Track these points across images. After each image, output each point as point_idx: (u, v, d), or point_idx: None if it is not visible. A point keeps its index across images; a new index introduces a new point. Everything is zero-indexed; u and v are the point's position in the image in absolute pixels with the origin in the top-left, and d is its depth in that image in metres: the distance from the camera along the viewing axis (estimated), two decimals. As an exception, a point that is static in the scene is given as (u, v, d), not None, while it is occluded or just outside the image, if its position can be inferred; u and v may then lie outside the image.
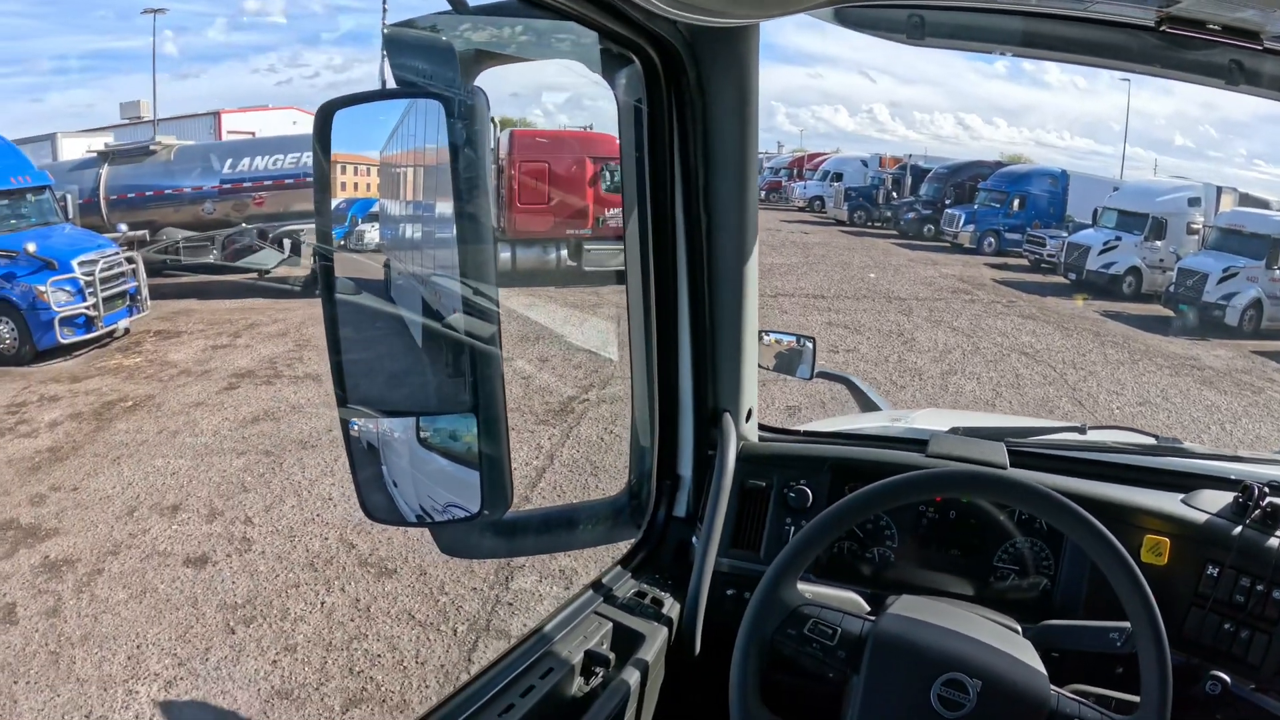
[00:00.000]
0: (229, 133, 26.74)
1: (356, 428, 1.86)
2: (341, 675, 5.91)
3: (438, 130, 1.65)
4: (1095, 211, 25.33)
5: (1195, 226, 23.25)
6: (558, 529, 2.47)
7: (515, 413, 10.60)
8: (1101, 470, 2.42)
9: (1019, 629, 1.97)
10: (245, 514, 8.37)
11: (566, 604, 2.26)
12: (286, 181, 19.98)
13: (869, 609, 2.14)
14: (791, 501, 2.46)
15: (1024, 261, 26.31)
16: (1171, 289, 20.51)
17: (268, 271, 19.15)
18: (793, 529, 2.44)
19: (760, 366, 2.83)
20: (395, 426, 1.94)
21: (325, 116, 1.69)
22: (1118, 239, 23.00)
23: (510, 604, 6.61)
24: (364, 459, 1.89)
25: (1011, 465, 2.38)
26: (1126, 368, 13.82)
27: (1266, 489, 2.17)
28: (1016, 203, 29.15)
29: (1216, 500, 2.24)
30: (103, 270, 14.69)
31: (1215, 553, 2.12)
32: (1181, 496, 2.27)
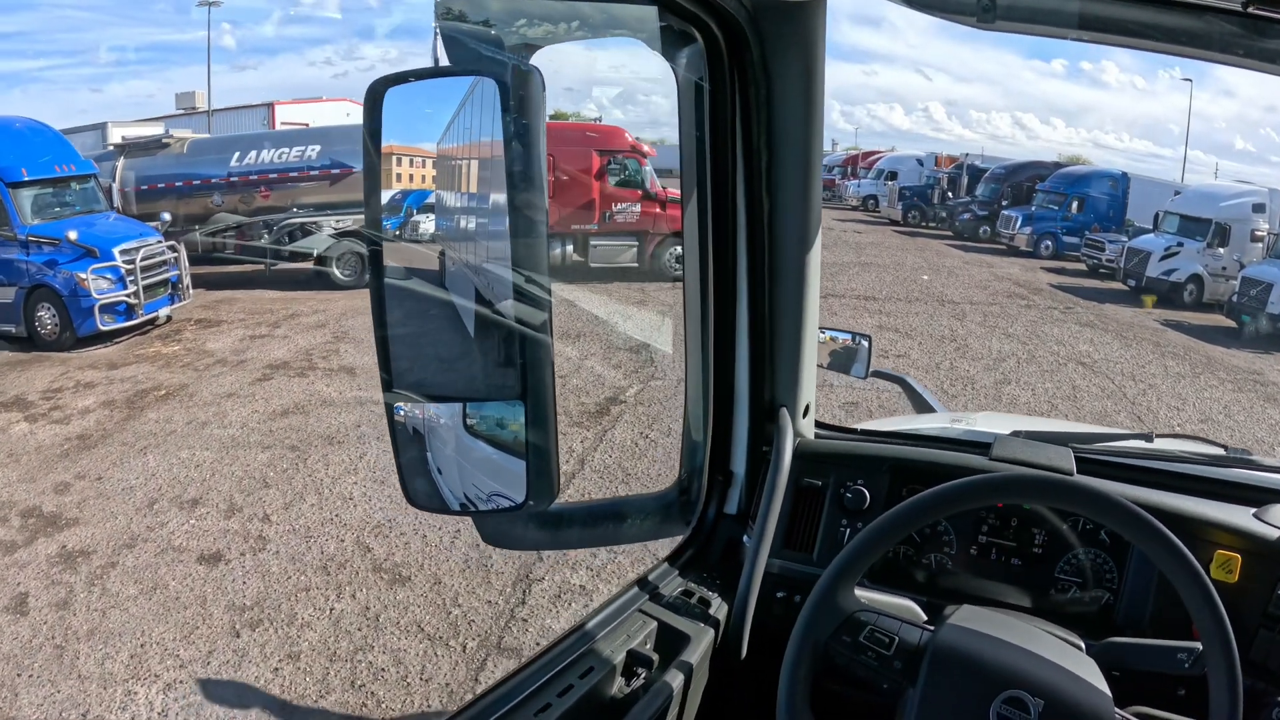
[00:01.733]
0: (283, 124, 27.57)
1: (402, 413, 1.81)
2: (343, 688, 5.63)
3: (492, 112, 1.60)
4: (1156, 216, 24.45)
5: (1260, 233, 22.26)
6: (604, 522, 2.41)
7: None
8: (1169, 480, 2.31)
9: (1082, 645, 1.86)
10: (264, 510, 8.19)
11: (610, 601, 2.20)
12: (291, 175, 20.28)
13: (926, 618, 1.99)
14: (848, 502, 2.37)
15: (1082, 266, 25.52)
16: (1234, 299, 19.54)
17: (275, 264, 19.72)
18: (848, 531, 2.36)
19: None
20: (441, 412, 1.87)
21: (375, 96, 1.62)
22: (1179, 245, 22.10)
23: (525, 620, 6.27)
24: (408, 444, 1.83)
25: (1078, 472, 2.26)
26: (1188, 381, 13.13)
27: None
28: (1075, 205, 28.32)
29: None
30: (144, 259, 14.87)
31: None
32: (1253, 511, 2.15)
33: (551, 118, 23.00)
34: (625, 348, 14.08)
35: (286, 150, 20.45)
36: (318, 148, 20.21)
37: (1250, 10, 1.59)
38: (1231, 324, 18.99)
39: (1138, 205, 27.79)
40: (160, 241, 15.68)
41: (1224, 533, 2.07)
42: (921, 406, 4.65)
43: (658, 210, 19.36)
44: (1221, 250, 21.96)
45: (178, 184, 20.31)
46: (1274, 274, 18.94)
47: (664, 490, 2.50)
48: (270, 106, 29.38)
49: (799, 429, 2.46)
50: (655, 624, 2.15)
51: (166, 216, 18.20)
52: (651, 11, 2.00)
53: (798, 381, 2.43)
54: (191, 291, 16.29)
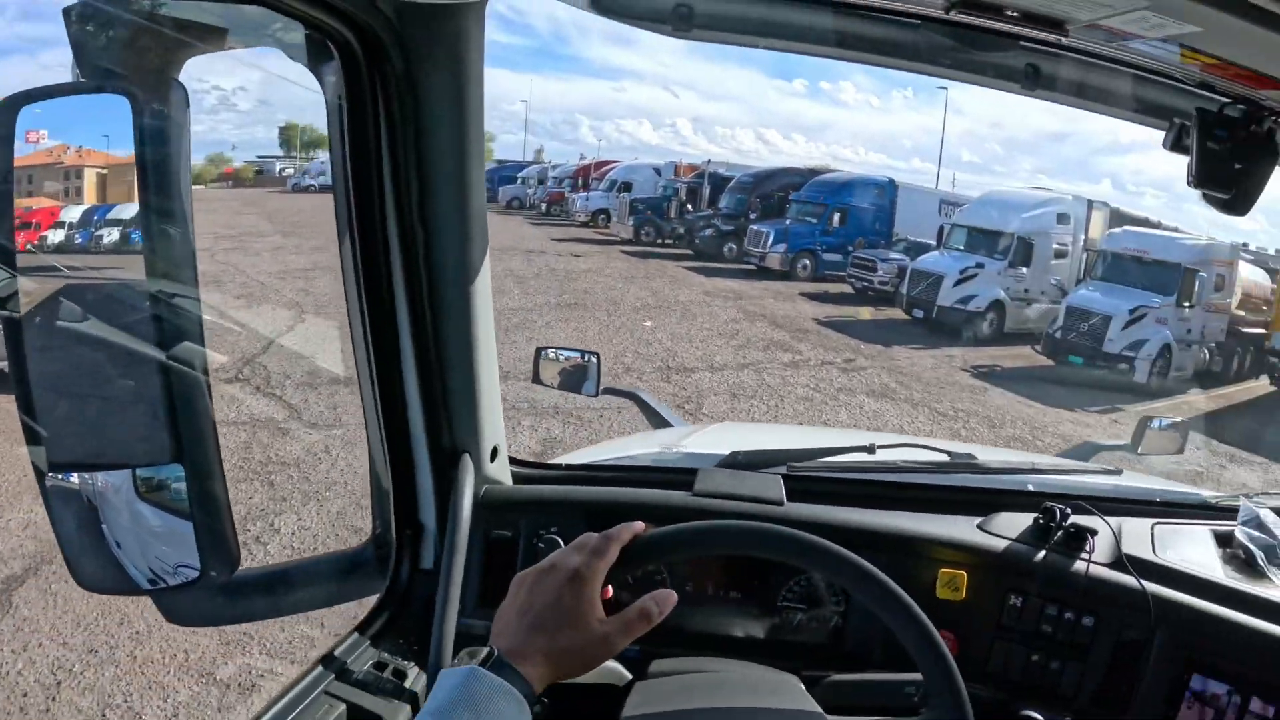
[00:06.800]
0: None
1: (70, 479, 1.58)
2: None
3: (130, 130, 1.44)
4: (942, 230, 22.10)
5: (1063, 248, 20.02)
6: (297, 587, 2.09)
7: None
8: (892, 493, 2.35)
9: (801, 686, 1.78)
10: None
11: (290, 687, 1.93)
12: None
13: (630, 677, 1.94)
14: (542, 553, 2.10)
15: (847, 288, 22.85)
16: (1057, 334, 17.13)
17: None
18: None
19: (544, 384, 2.98)
20: (110, 478, 1.63)
21: (9, 113, 1.42)
22: (979, 266, 19.53)
23: None
24: (74, 517, 1.55)
25: (791, 496, 2.24)
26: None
27: (1068, 510, 2.14)
28: (837, 217, 25.54)
29: (1015, 524, 2.18)
30: None
31: (1017, 581, 2.05)
32: (978, 521, 2.21)
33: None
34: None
35: None
36: None
37: (952, 14, 1.54)
38: (1047, 361, 16.27)
39: (903, 216, 25.50)
40: None
41: (947, 549, 2.06)
42: (658, 422, 4.25)
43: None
44: (1024, 270, 19.23)
45: None
46: (1112, 305, 16.31)
47: (359, 546, 2.26)
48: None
49: (487, 474, 2.30)
50: (343, 707, 1.86)
51: None
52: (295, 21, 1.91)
53: (478, 423, 2.21)
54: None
